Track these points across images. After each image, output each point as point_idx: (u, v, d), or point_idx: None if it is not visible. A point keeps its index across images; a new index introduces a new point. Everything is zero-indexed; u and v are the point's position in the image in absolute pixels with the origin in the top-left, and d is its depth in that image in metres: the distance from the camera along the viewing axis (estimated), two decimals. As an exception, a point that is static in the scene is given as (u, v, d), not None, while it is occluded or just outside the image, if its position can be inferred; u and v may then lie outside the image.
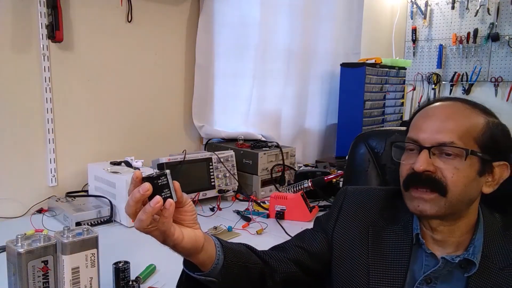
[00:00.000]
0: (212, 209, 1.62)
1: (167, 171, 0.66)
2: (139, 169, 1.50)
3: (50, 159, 1.57)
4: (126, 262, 1.00)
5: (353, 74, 2.48)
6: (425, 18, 3.43)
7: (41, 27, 1.48)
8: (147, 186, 0.62)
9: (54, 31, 1.46)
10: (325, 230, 0.90)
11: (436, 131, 0.75)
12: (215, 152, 1.75)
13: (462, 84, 3.30)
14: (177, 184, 0.66)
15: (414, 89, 3.53)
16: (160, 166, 1.56)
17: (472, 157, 0.73)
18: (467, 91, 3.28)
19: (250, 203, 1.68)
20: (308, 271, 0.86)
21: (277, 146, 1.92)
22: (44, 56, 1.51)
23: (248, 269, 0.78)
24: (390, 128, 1.32)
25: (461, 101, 0.78)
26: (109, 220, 1.42)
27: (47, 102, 1.54)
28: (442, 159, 0.74)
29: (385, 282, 0.81)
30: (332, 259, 0.88)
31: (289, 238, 0.96)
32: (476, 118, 0.75)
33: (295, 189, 1.69)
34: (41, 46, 1.50)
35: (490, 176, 0.76)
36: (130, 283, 0.98)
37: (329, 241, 0.89)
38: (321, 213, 1.05)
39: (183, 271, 0.75)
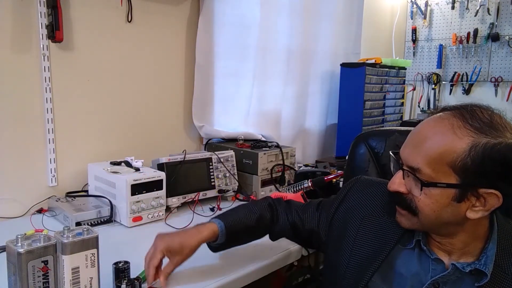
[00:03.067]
0: (212, 209, 1.61)
1: None
2: (139, 169, 1.50)
3: (50, 159, 1.57)
4: (126, 262, 1.00)
5: (353, 74, 2.48)
6: (425, 18, 3.43)
7: (41, 27, 1.48)
8: None
9: (54, 31, 1.46)
10: (327, 213, 1.00)
11: (410, 154, 0.75)
12: (215, 152, 1.75)
13: (462, 84, 3.30)
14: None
15: (414, 89, 3.53)
16: (160, 166, 1.56)
17: (439, 185, 0.70)
18: (467, 91, 3.28)
19: (250, 203, 1.68)
20: (297, 233, 1.07)
21: (277, 146, 1.92)
22: (44, 56, 1.50)
23: (249, 231, 1.08)
24: (390, 128, 1.32)
25: (455, 116, 0.72)
26: (109, 220, 1.42)
27: (47, 102, 1.54)
28: (414, 181, 0.74)
29: (359, 267, 0.84)
30: (329, 240, 0.96)
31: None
32: (457, 141, 0.69)
33: (295, 189, 1.69)
34: (41, 46, 1.50)
35: (478, 201, 0.71)
36: (130, 283, 0.98)
37: (327, 223, 0.99)
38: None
39: None
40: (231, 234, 1.03)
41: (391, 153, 0.84)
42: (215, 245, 1.06)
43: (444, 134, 0.71)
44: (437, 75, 3.39)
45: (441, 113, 0.75)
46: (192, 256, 1.13)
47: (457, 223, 0.74)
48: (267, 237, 1.15)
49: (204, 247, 1.20)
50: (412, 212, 0.75)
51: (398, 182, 0.77)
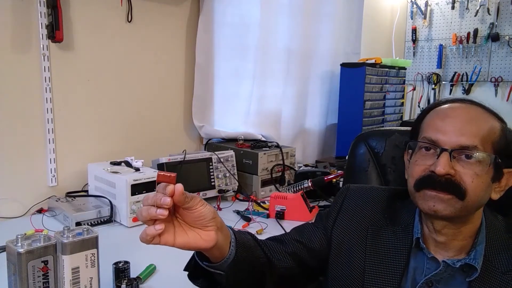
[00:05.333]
0: (212, 209, 1.61)
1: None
2: (139, 169, 1.50)
3: (50, 159, 1.57)
4: (126, 262, 1.00)
5: (353, 74, 2.48)
6: (425, 18, 3.43)
7: (41, 27, 1.48)
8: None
9: (54, 31, 1.46)
10: (325, 227, 0.91)
11: (459, 134, 0.72)
12: (215, 152, 1.75)
13: (462, 84, 3.30)
14: (179, 187, 0.64)
15: (414, 89, 3.53)
16: (160, 166, 1.56)
17: (490, 163, 0.72)
18: (467, 91, 3.28)
19: (250, 203, 1.68)
20: (304, 266, 0.87)
21: (277, 146, 1.92)
22: (44, 56, 1.51)
23: (253, 264, 0.79)
24: (390, 128, 1.31)
25: (476, 104, 0.76)
26: (109, 220, 1.42)
27: (47, 102, 1.54)
28: (462, 163, 0.72)
29: (379, 283, 0.80)
30: (330, 256, 0.88)
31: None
32: (493, 122, 0.74)
33: (295, 189, 1.69)
34: (41, 46, 1.50)
35: (499, 182, 0.75)
36: (130, 283, 0.98)
37: (328, 238, 0.89)
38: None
39: (192, 256, 0.76)
40: (242, 247, 0.75)
41: (419, 140, 0.78)
42: (216, 268, 0.73)
43: (483, 115, 0.74)
44: (437, 75, 3.39)
45: (459, 103, 0.77)
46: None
47: (481, 206, 0.76)
48: None
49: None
50: (460, 196, 0.72)
51: (448, 165, 0.72)
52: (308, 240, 0.88)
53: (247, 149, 1.87)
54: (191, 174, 1.64)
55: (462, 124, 0.73)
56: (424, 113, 0.81)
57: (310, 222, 0.96)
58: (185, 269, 0.78)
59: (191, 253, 0.84)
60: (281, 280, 0.85)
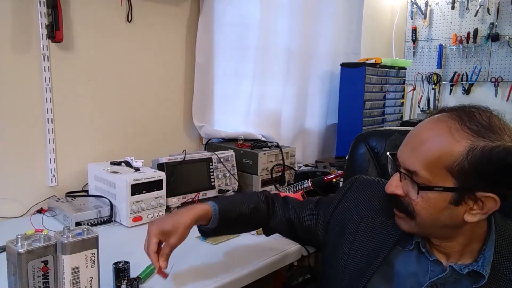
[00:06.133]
0: (212, 209, 1.61)
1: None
2: (139, 169, 1.50)
3: (50, 159, 1.57)
4: (126, 262, 1.00)
5: (353, 74, 2.48)
6: (425, 18, 3.43)
7: (41, 27, 1.48)
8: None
9: (54, 31, 1.46)
10: (325, 213, 0.98)
11: (407, 157, 0.74)
12: (215, 152, 1.75)
13: (462, 84, 3.30)
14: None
15: (414, 89, 3.53)
16: (160, 166, 1.56)
17: (436, 189, 0.70)
18: (467, 91, 3.28)
19: (250, 203, 1.68)
20: (293, 232, 1.06)
21: (277, 146, 1.92)
22: (44, 56, 1.51)
23: (241, 225, 1.07)
24: (390, 128, 1.31)
25: (453, 118, 0.70)
26: (109, 220, 1.42)
27: (47, 102, 1.54)
28: (411, 184, 0.73)
29: (358, 268, 0.83)
30: (328, 239, 0.94)
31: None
32: (454, 144, 0.68)
33: (295, 189, 1.69)
34: (41, 46, 1.50)
35: (475, 205, 0.70)
36: (130, 283, 0.98)
37: (325, 222, 0.97)
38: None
39: None
40: (224, 219, 0.99)
41: (388, 154, 0.83)
42: (207, 229, 1.02)
43: (441, 136, 0.69)
44: (437, 75, 3.39)
45: (438, 115, 0.74)
46: (192, 256, 1.14)
47: (455, 226, 0.73)
48: (266, 236, 1.13)
49: (201, 245, 1.20)
50: (410, 215, 0.75)
51: (395, 185, 0.76)
52: (303, 216, 1.03)
53: (247, 149, 1.87)
54: (191, 174, 1.64)
55: (411, 146, 0.74)
56: None
57: (315, 199, 1.07)
58: None
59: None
60: (275, 230, 1.09)
